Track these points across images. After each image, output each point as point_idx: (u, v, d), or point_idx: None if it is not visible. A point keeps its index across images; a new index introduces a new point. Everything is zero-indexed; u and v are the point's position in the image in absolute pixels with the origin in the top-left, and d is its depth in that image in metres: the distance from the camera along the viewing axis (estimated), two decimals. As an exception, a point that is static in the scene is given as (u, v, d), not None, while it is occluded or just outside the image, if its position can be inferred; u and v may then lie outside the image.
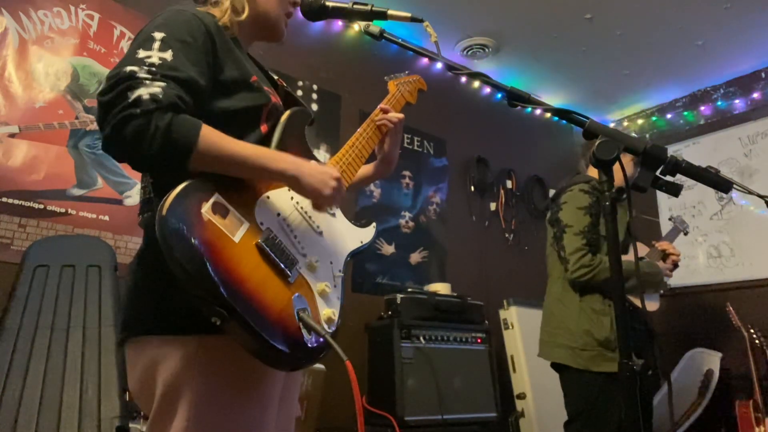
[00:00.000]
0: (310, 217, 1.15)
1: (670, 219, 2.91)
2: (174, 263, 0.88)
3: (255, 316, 0.91)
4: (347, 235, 1.25)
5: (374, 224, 1.33)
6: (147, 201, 1.09)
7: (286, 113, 1.20)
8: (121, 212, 2.66)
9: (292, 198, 1.12)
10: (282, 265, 1.01)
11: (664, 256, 2.51)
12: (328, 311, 1.07)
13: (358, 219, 1.31)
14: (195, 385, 0.96)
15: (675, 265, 2.51)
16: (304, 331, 0.98)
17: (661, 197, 4.66)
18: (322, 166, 1.11)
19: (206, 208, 0.94)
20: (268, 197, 1.07)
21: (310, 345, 0.97)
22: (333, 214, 1.23)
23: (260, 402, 1.02)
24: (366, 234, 1.30)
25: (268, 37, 1.31)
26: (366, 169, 1.46)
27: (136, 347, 1.03)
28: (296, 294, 1.01)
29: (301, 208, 1.14)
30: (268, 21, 1.27)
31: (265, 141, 1.13)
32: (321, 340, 1.00)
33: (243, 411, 0.99)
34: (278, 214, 1.08)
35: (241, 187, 1.03)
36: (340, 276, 1.17)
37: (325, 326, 1.05)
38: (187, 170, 0.95)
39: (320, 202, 1.10)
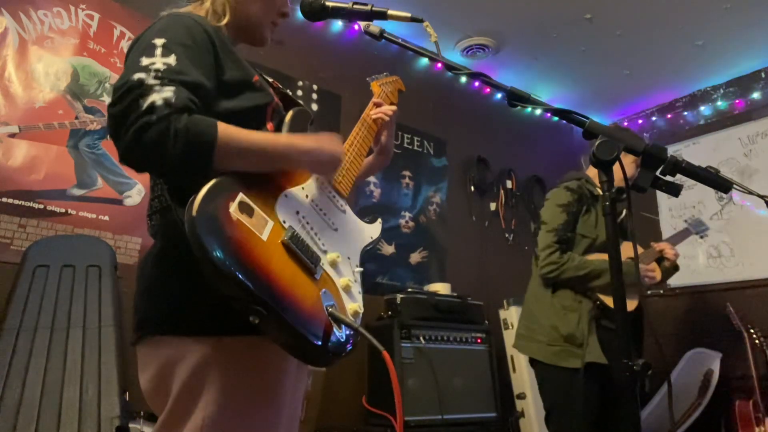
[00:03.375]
0: (325, 214, 1.17)
1: (685, 221, 2.89)
2: (208, 264, 0.87)
3: (290, 313, 0.92)
4: (359, 231, 1.28)
5: (380, 220, 1.36)
6: (165, 209, 1.07)
7: (290, 112, 1.22)
8: (121, 212, 2.65)
9: (307, 196, 1.14)
10: (308, 262, 1.03)
11: (661, 257, 2.51)
12: (354, 305, 1.11)
13: (360, 218, 1.33)
14: (214, 385, 0.96)
15: (671, 270, 2.51)
16: (334, 326, 1.00)
17: (661, 197, 4.66)
18: (326, 135, 1.16)
19: (233, 208, 0.95)
20: (286, 195, 1.08)
21: (341, 339, 1.00)
22: (343, 211, 1.24)
23: (275, 403, 1.02)
24: (374, 230, 1.33)
25: (249, 42, 1.31)
26: (365, 162, 1.48)
27: (151, 347, 1.03)
28: (323, 290, 1.04)
29: (316, 205, 1.15)
30: (250, 26, 1.27)
31: None
32: (349, 334, 1.02)
33: (259, 411, 1.00)
34: (297, 212, 1.09)
35: (261, 186, 1.04)
36: (360, 271, 1.20)
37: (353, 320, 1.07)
38: (211, 170, 0.95)
39: (338, 164, 1.16)
